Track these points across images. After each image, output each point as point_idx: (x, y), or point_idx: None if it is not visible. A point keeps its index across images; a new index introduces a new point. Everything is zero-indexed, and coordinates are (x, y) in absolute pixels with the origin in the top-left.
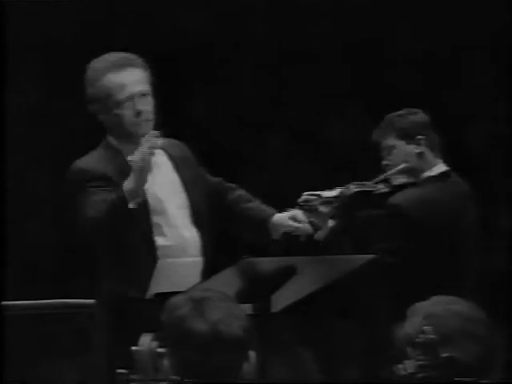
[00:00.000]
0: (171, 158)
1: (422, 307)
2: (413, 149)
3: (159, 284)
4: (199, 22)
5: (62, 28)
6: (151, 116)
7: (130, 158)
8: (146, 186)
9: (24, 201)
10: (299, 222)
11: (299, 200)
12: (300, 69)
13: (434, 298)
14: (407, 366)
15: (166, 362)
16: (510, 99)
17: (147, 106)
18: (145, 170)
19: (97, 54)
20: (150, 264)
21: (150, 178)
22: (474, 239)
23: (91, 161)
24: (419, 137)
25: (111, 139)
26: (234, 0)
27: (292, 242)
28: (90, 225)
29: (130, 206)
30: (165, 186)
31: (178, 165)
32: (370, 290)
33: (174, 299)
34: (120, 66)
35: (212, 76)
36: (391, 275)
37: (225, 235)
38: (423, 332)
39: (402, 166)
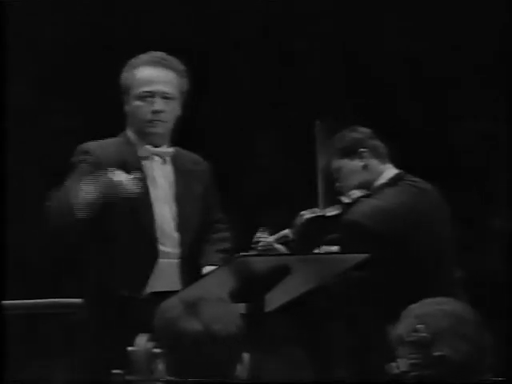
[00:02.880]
0: (175, 168)
1: (414, 309)
2: (357, 163)
3: (154, 283)
4: (198, 22)
5: (62, 28)
6: (169, 120)
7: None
8: (151, 191)
9: (24, 201)
10: None
11: (254, 241)
12: (298, 69)
13: (427, 300)
14: (400, 365)
15: (161, 363)
16: (510, 99)
17: (167, 108)
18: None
19: (97, 54)
20: (150, 264)
21: (152, 184)
22: (447, 237)
23: (97, 145)
24: (361, 149)
25: (129, 131)
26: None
27: None
28: (49, 205)
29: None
30: (162, 192)
31: (180, 178)
32: (360, 292)
33: (166, 301)
34: (154, 62)
35: (210, 76)
36: (366, 288)
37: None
38: (416, 330)
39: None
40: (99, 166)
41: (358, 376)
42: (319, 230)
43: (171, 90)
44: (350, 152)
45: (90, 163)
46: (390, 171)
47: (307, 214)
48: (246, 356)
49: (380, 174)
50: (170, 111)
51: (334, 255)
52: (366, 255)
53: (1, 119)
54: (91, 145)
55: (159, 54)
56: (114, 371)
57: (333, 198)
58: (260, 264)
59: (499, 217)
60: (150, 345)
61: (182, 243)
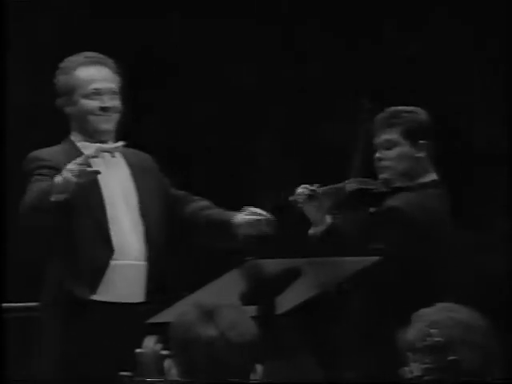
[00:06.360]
0: (129, 164)
1: (426, 314)
2: (414, 152)
3: (115, 286)
4: (194, 22)
5: (62, 28)
6: (117, 116)
7: (68, 166)
8: (102, 186)
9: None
10: (259, 214)
11: (299, 188)
12: (295, 68)
13: (439, 305)
14: (413, 369)
15: (169, 364)
16: (509, 99)
17: (115, 104)
18: (75, 181)
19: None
20: (103, 264)
21: (103, 180)
22: (451, 249)
23: (47, 151)
24: (422, 142)
25: (74, 135)
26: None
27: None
28: (20, 210)
29: (52, 198)
30: (117, 190)
31: (135, 172)
32: (372, 293)
33: (182, 306)
34: (91, 62)
35: (205, 77)
36: (386, 278)
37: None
38: (430, 335)
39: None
40: (57, 171)
41: (368, 379)
42: (362, 201)
43: (115, 86)
44: (414, 138)
45: (47, 167)
46: (432, 174)
47: (358, 183)
48: (259, 368)
49: (425, 173)
50: (117, 107)
51: (345, 258)
52: (376, 258)
53: (1, 119)
54: (42, 152)
55: (92, 53)
56: (123, 373)
57: (365, 169)
58: (271, 266)
59: (501, 217)
60: (158, 347)
61: (149, 245)
